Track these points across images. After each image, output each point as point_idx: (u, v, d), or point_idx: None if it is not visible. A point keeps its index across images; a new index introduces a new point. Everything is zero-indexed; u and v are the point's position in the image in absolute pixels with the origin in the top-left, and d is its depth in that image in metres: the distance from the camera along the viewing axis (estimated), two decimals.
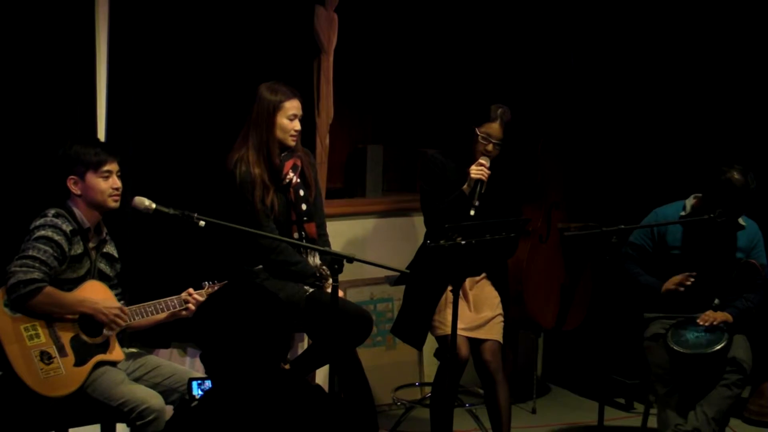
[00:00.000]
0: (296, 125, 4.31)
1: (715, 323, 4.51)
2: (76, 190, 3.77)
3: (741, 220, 4.67)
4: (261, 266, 4.31)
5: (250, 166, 4.23)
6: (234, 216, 4.15)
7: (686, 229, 4.67)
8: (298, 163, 4.39)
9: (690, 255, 4.65)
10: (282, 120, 4.28)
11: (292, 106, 4.30)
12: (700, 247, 4.65)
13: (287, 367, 4.36)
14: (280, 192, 4.32)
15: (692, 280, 4.55)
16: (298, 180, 4.38)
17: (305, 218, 4.38)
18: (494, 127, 4.41)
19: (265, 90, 4.31)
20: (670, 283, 4.60)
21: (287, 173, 4.34)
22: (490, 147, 4.41)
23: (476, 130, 4.42)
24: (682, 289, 4.55)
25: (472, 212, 4.26)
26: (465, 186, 4.38)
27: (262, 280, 4.28)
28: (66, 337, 3.67)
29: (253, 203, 4.23)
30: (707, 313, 4.55)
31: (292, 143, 4.34)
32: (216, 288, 3.92)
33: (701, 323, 4.52)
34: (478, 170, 4.36)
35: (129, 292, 4.13)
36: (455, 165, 4.47)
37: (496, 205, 4.46)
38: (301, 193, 4.39)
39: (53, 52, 4.13)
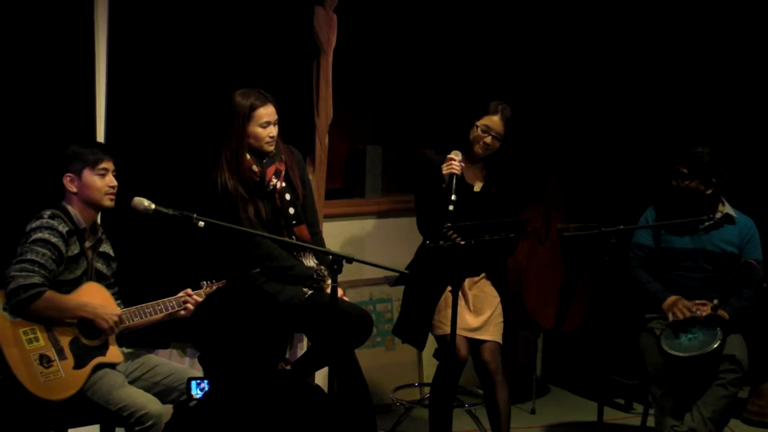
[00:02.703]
0: (271, 131, 4.22)
1: (705, 314, 4.46)
2: (72, 188, 3.76)
3: (733, 214, 4.63)
4: (259, 269, 4.29)
5: (225, 178, 4.19)
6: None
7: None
8: (281, 167, 4.31)
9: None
10: (254, 129, 4.19)
11: (265, 113, 4.20)
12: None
13: (288, 368, 4.36)
14: (266, 199, 4.27)
15: (689, 313, 4.50)
16: (283, 184, 4.31)
17: (294, 222, 4.32)
18: (494, 120, 4.44)
19: (236, 98, 4.21)
20: (673, 306, 4.54)
21: (270, 180, 4.27)
22: (488, 139, 4.43)
23: (475, 122, 4.44)
24: (670, 319, 4.50)
25: (450, 207, 4.24)
26: (444, 185, 4.37)
27: (261, 283, 4.26)
28: (65, 340, 3.67)
29: (237, 213, 4.18)
30: (702, 304, 4.50)
31: (270, 149, 4.26)
32: (214, 288, 3.92)
33: (697, 311, 4.47)
34: (448, 166, 4.36)
35: (127, 292, 4.13)
36: None
37: (497, 206, 4.47)
38: (287, 197, 4.31)
39: (53, 52, 4.13)
